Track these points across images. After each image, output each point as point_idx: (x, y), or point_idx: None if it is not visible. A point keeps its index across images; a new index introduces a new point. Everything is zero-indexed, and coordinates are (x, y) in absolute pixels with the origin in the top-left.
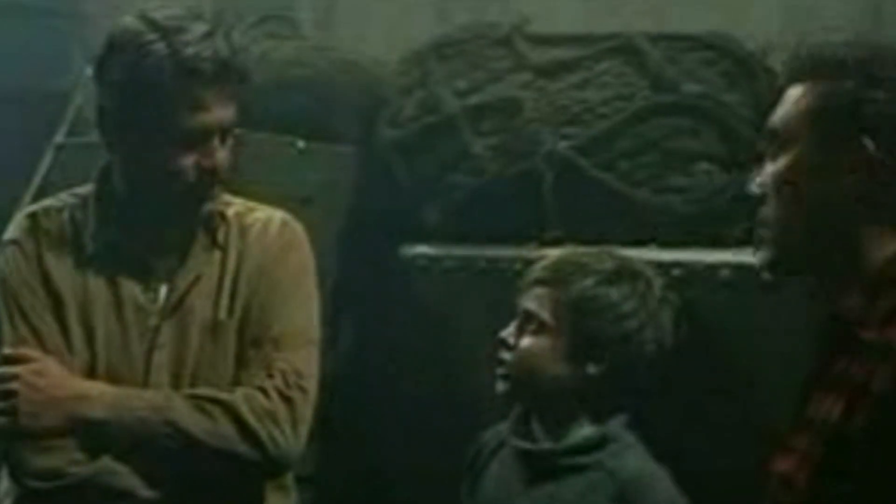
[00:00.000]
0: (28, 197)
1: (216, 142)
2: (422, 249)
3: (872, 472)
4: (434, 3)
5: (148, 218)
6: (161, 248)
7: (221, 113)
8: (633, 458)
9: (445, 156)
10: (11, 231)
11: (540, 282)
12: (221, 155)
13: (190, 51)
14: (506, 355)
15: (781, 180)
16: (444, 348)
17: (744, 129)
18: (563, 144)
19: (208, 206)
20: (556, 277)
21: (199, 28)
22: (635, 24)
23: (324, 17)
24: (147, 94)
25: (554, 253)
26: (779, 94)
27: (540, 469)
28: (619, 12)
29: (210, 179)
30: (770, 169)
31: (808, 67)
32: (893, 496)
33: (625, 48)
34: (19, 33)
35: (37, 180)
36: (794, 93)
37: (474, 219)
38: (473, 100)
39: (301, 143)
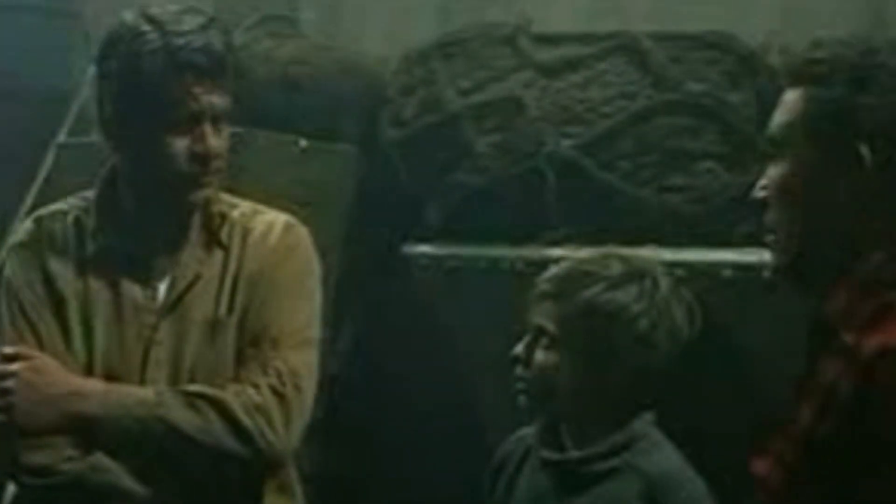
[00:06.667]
0: (30, 197)
1: (207, 128)
2: (424, 249)
3: (839, 477)
4: (436, 3)
5: (147, 214)
6: (161, 246)
7: (213, 100)
8: (659, 455)
9: (448, 155)
10: (17, 235)
11: (547, 296)
12: (213, 142)
13: (182, 41)
14: (522, 371)
15: (781, 186)
16: (446, 348)
17: (746, 127)
18: (565, 143)
19: (202, 195)
20: (562, 290)
21: (194, 21)
22: (637, 23)
23: (326, 17)
24: (140, 83)
25: (556, 252)
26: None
27: (571, 478)
28: (621, 12)
29: (202, 166)
30: (772, 174)
31: (803, 70)
32: (862, 502)
33: (627, 47)
34: (20, 32)
35: (39, 180)
36: (790, 97)
37: (476, 218)
38: (476, 99)
39: (303, 143)
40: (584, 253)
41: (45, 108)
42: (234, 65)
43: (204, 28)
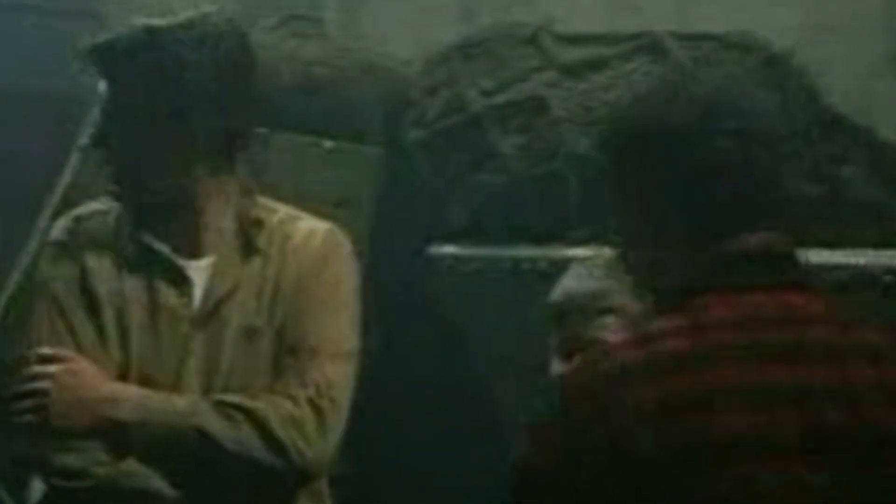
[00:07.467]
0: (54, 199)
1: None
2: (448, 249)
3: None
4: (459, 3)
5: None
6: (197, 253)
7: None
8: None
9: (471, 155)
10: (55, 232)
11: (607, 311)
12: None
13: (193, 56)
14: None
15: None
16: (469, 347)
17: None
18: (588, 144)
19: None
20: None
21: (196, 34)
22: (661, 22)
23: (349, 18)
24: (145, 91)
25: (579, 252)
26: None
27: None
28: (645, 11)
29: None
30: None
31: None
32: None
33: (651, 48)
34: (36, 33)
35: (63, 183)
36: None
37: (500, 218)
38: (499, 99)
39: (327, 144)
40: (608, 253)
41: (64, 109)
42: (246, 68)
43: (203, 42)
